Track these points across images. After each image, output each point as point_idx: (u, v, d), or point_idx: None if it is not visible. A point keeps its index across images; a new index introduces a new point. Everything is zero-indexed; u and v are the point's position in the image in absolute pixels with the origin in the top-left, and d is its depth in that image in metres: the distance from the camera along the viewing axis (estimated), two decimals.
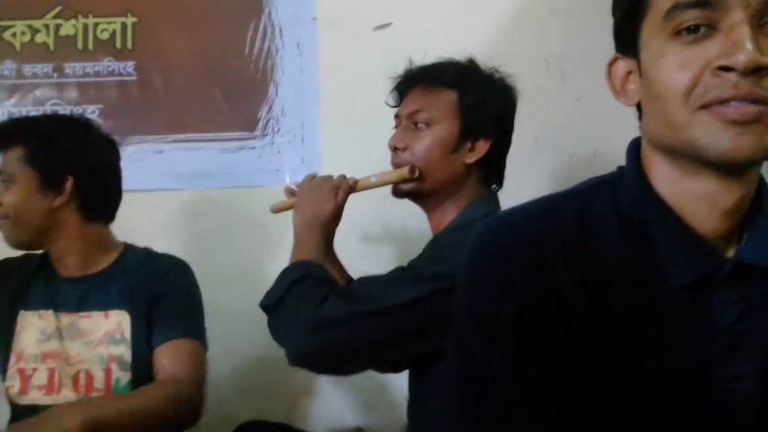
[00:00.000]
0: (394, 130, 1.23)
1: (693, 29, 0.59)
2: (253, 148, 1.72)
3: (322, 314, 1.00)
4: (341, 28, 1.76)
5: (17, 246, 1.29)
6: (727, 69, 0.57)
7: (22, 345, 1.26)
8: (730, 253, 0.64)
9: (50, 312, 1.27)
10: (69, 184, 1.27)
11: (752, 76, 0.56)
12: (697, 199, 0.63)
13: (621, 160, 1.74)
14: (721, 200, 0.62)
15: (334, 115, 1.74)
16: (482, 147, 1.17)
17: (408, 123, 1.18)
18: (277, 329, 1.07)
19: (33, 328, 1.27)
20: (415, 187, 1.16)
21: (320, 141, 1.73)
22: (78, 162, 1.28)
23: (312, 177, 1.25)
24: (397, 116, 1.23)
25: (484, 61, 1.77)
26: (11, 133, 1.29)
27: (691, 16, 0.59)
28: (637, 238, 0.65)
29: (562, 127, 1.75)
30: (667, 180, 0.65)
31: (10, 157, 1.26)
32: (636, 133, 1.83)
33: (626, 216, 0.66)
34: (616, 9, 0.69)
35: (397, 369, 1.19)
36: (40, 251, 1.32)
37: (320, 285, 1.06)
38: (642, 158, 0.69)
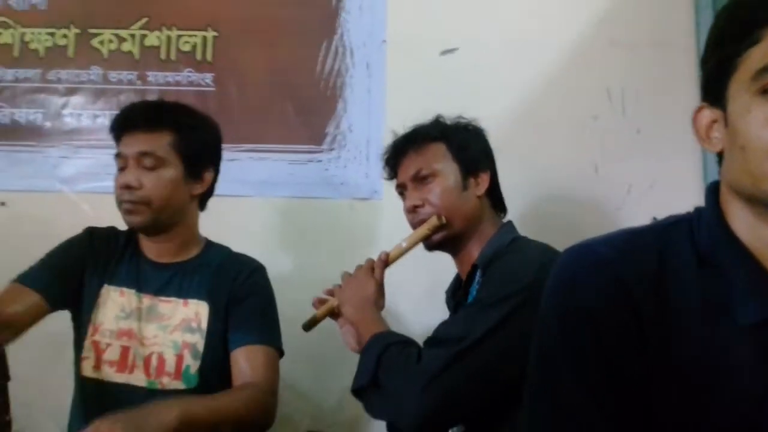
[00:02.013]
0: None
1: None
2: (320, 161, 1.80)
3: (425, 369, 1.02)
4: (409, 51, 1.84)
5: (141, 227, 1.29)
6: None
7: (100, 318, 1.28)
8: None
9: (133, 291, 1.29)
10: (208, 175, 1.33)
11: None
12: None
13: (677, 192, 1.80)
14: None
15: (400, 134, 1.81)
16: (484, 178, 1.28)
17: (414, 184, 1.27)
18: (381, 405, 1.09)
19: (113, 303, 1.29)
20: (446, 233, 1.24)
21: None
22: (216, 154, 1.35)
23: (343, 277, 1.31)
24: (400, 185, 1.31)
25: (548, 89, 1.85)
26: (160, 117, 1.29)
27: None
28: (712, 277, 0.69)
29: (621, 157, 1.79)
30: (746, 224, 0.70)
31: (160, 140, 1.26)
32: (692, 168, 1.87)
33: (704, 255, 0.71)
34: (705, 62, 0.73)
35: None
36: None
37: (405, 347, 1.11)
38: (721, 201, 0.73)
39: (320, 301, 1.35)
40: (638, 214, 1.78)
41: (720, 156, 0.73)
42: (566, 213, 1.74)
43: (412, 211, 1.27)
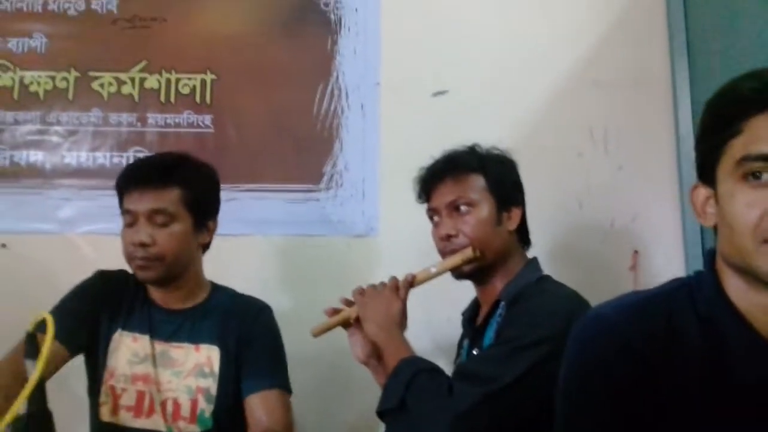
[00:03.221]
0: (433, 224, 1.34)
1: (757, 176, 0.73)
2: (317, 200, 1.87)
3: (457, 404, 1.07)
4: (402, 93, 1.92)
5: (153, 281, 1.33)
6: None
7: (114, 363, 1.31)
8: None
9: (146, 337, 1.33)
10: (213, 224, 1.38)
11: None
12: (761, 309, 0.76)
13: (657, 226, 1.89)
14: None
15: (393, 173, 1.87)
16: (516, 214, 1.31)
17: (448, 211, 1.29)
18: (407, 429, 1.13)
19: (127, 349, 1.32)
20: (477, 265, 1.27)
21: (380, 196, 1.88)
22: (218, 203, 1.40)
23: (362, 290, 1.32)
24: (433, 209, 1.33)
25: (535, 128, 1.93)
26: (169, 173, 1.32)
27: (758, 166, 0.73)
28: (713, 338, 0.78)
29: (604, 193, 1.88)
30: (738, 290, 0.78)
31: (170, 196, 1.29)
32: (671, 202, 1.96)
33: (703, 318, 0.79)
34: (697, 146, 0.82)
35: None
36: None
37: (436, 375, 1.15)
38: (717, 267, 0.81)
39: (334, 311, 1.36)
40: (621, 247, 1.87)
41: (715, 230, 0.81)
42: (552, 246, 1.82)
43: (444, 239, 1.29)
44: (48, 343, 0.82)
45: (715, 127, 0.78)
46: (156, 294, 1.38)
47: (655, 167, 1.90)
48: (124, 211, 1.32)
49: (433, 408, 1.09)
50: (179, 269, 1.33)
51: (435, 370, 1.18)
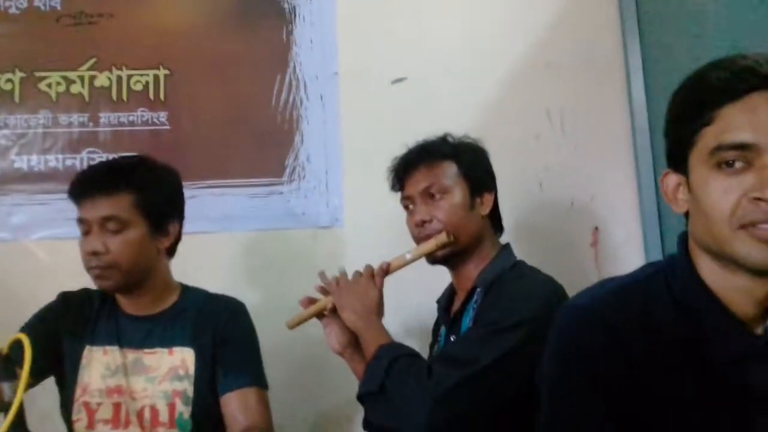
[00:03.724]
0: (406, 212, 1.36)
1: (731, 164, 0.75)
2: (281, 193, 1.85)
3: (436, 387, 1.10)
4: (360, 82, 1.91)
5: (113, 290, 1.31)
6: (759, 199, 0.73)
7: (86, 379, 1.29)
8: (760, 331, 0.81)
9: (116, 348, 1.31)
10: (173, 227, 1.34)
11: None
12: (736, 290, 0.79)
13: (615, 203, 1.94)
14: (755, 292, 0.79)
15: (356, 162, 1.88)
16: (488, 199, 1.35)
17: (423, 198, 1.32)
18: (386, 412, 1.16)
19: (98, 363, 1.30)
20: (451, 249, 1.30)
21: (343, 186, 1.87)
22: (178, 205, 1.36)
23: (337, 279, 1.34)
24: (407, 197, 1.36)
25: (493, 112, 1.96)
26: (118, 179, 1.28)
27: (732, 155, 0.75)
28: (689, 321, 0.81)
29: (563, 172, 1.92)
30: (712, 273, 0.81)
31: (120, 202, 1.26)
32: (628, 180, 2.02)
33: (679, 302, 0.82)
34: (667, 134, 0.85)
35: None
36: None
37: (415, 359, 1.18)
38: (690, 251, 0.84)
39: (310, 301, 1.38)
40: (582, 225, 1.92)
41: (686, 215, 0.83)
42: (516, 226, 1.85)
43: (419, 225, 1.31)
44: (26, 366, 0.81)
45: (685, 116, 0.80)
46: (123, 302, 1.36)
47: (611, 147, 1.94)
48: (78, 220, 1.29)
49: (412, 391, 1.12)
50: (139, 276, 1.31)
51: (414, 354, 1.20)
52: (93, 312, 1.35)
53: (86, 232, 1.28)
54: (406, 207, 1.37)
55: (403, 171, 1.36)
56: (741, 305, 0.80)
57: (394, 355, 1.18)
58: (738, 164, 0.75)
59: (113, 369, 1.30)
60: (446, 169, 1.32)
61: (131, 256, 1.27)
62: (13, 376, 0.90)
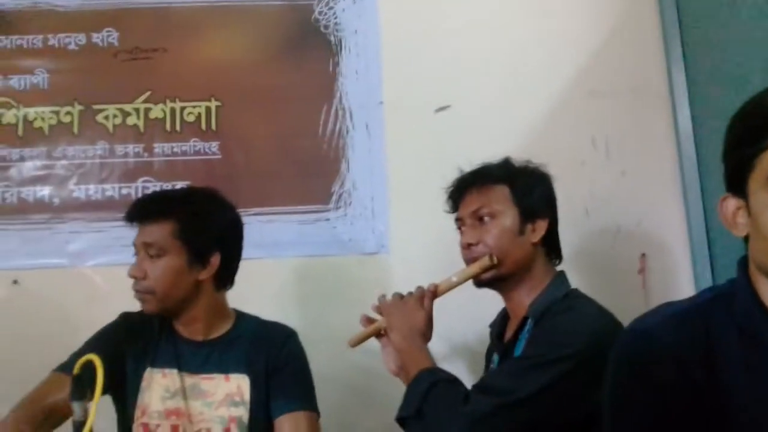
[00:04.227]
0: (459, 232, 1.37)
1: None
2: (327, 219, 1.88)
3: (471, 411, 1.10)
4: (405, 110, 1.94)
5: (154, 313, 1.34)
6: None
7: (146, 401, 1.32)
8: None
9: (175, 371, 1.34)
10: (215, 259, 1.35)
11: None
12: None
13: (663, 229, 1.92)
14: None
15: (401, 189, 1.91)
16: (541, 226, 1.32)
17: (472, 221, 1.33)
18: None
19: (158, 385, 1.33)
20: (495, 273, 1.30)
21: (389, 213, 1.89)
22: (223, 238, 1.38)
23: (393, 299, 1.36)
24: (458, 219, 1.37)
25: (538, 138, 1.96)
26: (163, 207, 1.34)
27: None
28: (752, 346, 0.80)
29: (608, 199, 1.91)
30: None
31: (162, 230, 1.31)
32: (675, 205, 1.99)
33: (742, 327, 0.81)
34: (725, 158, 0.85)
35: None
36: None
37: (454, 385, 1.18)
38: (750, 275, 0.84)
39: (368, 320, 1.39)
40: (629, 251, 1.90)
41: (746, 239, 0.83)
42: (564, 254, 1.85)
43: (466, 248, 1.32)
44: (99, 387, 0.84)
45: (745, 140, 0.80)
46: (179, 327, 1.39)
47: (657, 171, 1.93)
48: (133, 244, 1.36)
49: (447, 415, 1.12)
50: (175, 303, 1.34)
51: (453, 380, 1.20)
52: (154, 334, 1.37)
53: (136, 256, 1.34)
54: (458, 228, 1.37)
55: (457, 193, 1.37)
56: None
57: (434, 379, 1.18)
58: None
59: (172, 392, 1.33)
60: (498, 192, 1.32)
61: (166, 283, 1.31)
62: (83, 396, 0.92)
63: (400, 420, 1.22)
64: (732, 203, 0.83)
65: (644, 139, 1.95)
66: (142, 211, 1.35)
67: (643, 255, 1.90)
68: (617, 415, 0.84)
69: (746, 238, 0.83)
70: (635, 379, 0.82)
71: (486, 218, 1.31)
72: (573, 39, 1.98)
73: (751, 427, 0.78)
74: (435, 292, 1.34)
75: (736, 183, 0.82)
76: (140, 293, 1.32)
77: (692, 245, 1.86)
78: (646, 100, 1.97)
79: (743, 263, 0.85)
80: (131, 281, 1.34)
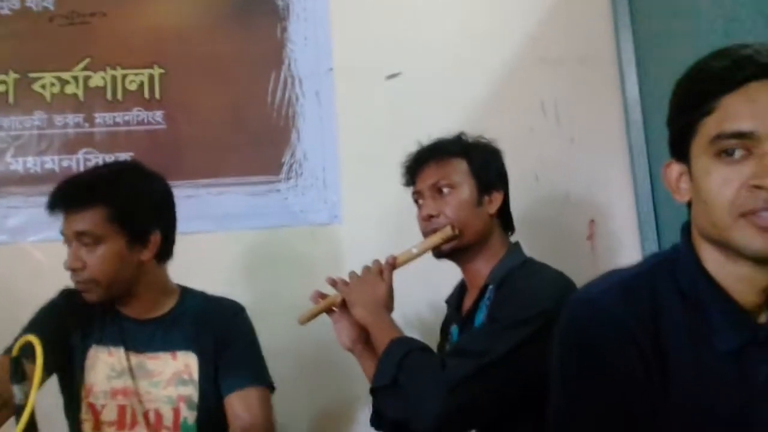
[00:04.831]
0: (416, 206, 1.38)
1: (731, 152, 0.76)
2: (278, 191, 1.85)
3: (451, 376, 1.11)
4: (356, 77, 1.91)
5: (100, 301, 1.28)
6: (759, 187, 0.74)
7: (92, 380, 1.29)
8: (763, 319, 0.82)
9: (121, 350, 1.30)
10: (155, 237, 1.30)
11: None
12: (738, 279, 0.80)
13: (611, 197, 1.95)
14: (757, 281, 0.80)
15: (353, 158, 1.88)
16: (497, 198, 1.36)
17: (431, 193, 1.34)
18: (399, 404, 1.16)
19: (103, 364, 1.29)
20: (456, 244, 1.31)
21: (341, 183, 1.87)
22: (160, 214, 1.33)
23: (350, 276, 1.36)
24: (417, 192, 1.38)
25: (488, 105, 1.96)
26: (90, 192, 1.25)
27: (732, 144, 0.76)
28: (694, 311, 0.82)
29: (558, 165, 1.93)
30: (715, 262, 0.82)
31: (93, 217, 1.23)
32: (623, 172, 2.03)
33: (685, 292, 0.83)
34: (670, 124, 0.85)
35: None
36: None
37: (428, 353, 1.19)
38: (693, 240, 0.85)
39: (321, 295, 1.39)
40: (578, 217, 1.93)
41: (689, 205, 0.84)
42: (515, 220, 1.87)
43: (426, 219, 1.33)
44: (38, 370, 0.81)
45: (688, 105, 0.81)
46: (121, 307, 1.34)
47: (605, 138, 1.96)
48: (60, 232, 1.28)
49: (426, 382, 1.13)
50: (121, 287, 1.29)
51: (426, 348, 1.22)
52: (98, 311, 1.32)
53: (68, 245, 1.26)
54: (416, 201, 1.39)
55: (415, 166, 1.38)
56: (744, 294, 0.80)
57: (406, 348, 1.19)
58: (738, 153, 0.76)
59: (118, 371, 1.30)
60: (456, 165, 1.34)
61: (108, 270, 1.25)
62: (23, 379, 0.89)
63: (374, 390, 1.22)
64: (675, 169, 0.84)
65: (593, 105, 1.97)
66: (67, 199, 1.26)
67: (592, 221, 1.93)
68: (565, 383, 0.85)
69: (689, 204, 0.85)
70: (582, 347, 0.83)
71: (445, 190, 1.32)
72: (523, 6, 1.98)
73: (691, 390, 0.80)
74: (394, 264, 1.35)
75: (680, 148, 0.83)
76: (82, 284, 1.26)
77: (639, 211, 1.90)
78: (595, 66, 1.98)
79: (686, 229, 0.86)
80: None
